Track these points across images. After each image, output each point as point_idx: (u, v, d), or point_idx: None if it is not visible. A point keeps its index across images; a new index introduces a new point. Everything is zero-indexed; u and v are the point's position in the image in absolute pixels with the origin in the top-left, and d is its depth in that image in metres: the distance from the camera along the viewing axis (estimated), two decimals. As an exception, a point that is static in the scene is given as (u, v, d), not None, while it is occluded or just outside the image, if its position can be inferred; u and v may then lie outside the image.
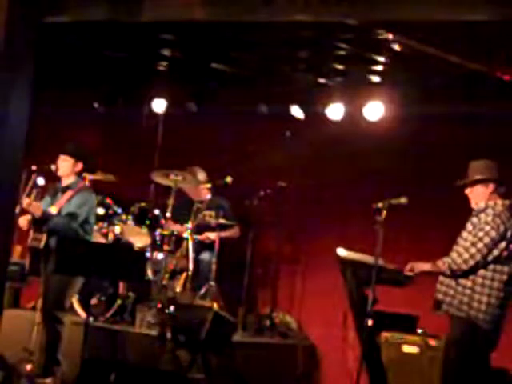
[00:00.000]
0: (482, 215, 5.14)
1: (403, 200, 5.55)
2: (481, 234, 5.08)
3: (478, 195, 5.25)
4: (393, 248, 5.72)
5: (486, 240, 5.06)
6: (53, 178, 6.49)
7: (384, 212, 5.49)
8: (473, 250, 5.07)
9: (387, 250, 5.52)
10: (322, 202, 7.71)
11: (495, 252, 5.06)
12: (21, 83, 4.87)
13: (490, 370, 5.20)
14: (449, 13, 4.67)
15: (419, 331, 6.09)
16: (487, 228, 5.07)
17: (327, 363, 7.33)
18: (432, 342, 5.74)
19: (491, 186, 5.21)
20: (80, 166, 6.45)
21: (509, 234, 5.08)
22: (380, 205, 5.53)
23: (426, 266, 5.33)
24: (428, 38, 5.93)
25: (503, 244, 5.06)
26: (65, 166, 6.40)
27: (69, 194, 6.37)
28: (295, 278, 7.89)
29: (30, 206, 6.12)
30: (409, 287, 5.63)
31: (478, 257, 5.06)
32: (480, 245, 5.06)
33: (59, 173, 6.41)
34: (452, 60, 6.20)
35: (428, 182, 7.04)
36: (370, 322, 5.44)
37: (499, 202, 5.18)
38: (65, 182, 6.44)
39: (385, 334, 5.93)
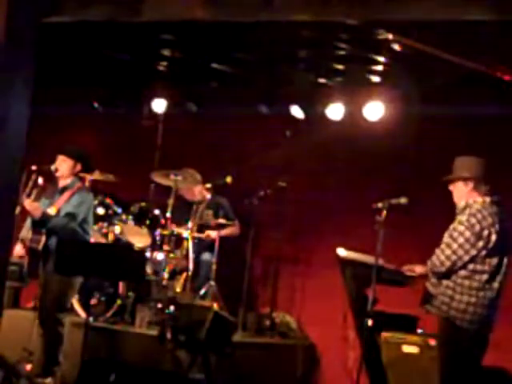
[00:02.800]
0: (460, 215, 5.13)
1: (403, 200, 5.55)
2: (455, 234, 5.05)
3: (459, 192, 5.23)
4: (393, 248, 5.72)
5: (461, 240, 5.02)
6: (52, 179, 6.49)
7: (384, 212, 5.49)
8: (448, 252, 5.05)
9: (387, 250, 5.53)
10: (322, 202, 7.71)
11: (472, 252, 5.01)
12: (21, 83, 4.86)
13: (482, 369, 5.16)
14: (449, 13, 4.67)
15: (419, 331, 6.09)
16: (461, 228, 5.04)
17: (327, 363, 7.34)
18: (432, 342, 5.73)
19: (470, 184, 5.17)
20: (79, 167, 6.46)
21: (485, 232, 5.00)
22: (380, 205, 5.54)
23: (419, 270, 5.34)
24: (428, 38, 5.93)
25: (480, 243, 5.00)
26: (64, 167, 6.40)
27: (67, 194, 6.37)
28: (295, 278, 7.89)
29: (30, 206, 6.13)
30: (409, 287, 5.63)
31: (454, 258, 5.02)
32: (455, 246, 5.03)
33: (58, 174, 6.41)
34: (452, 60, 6.20)
35: (428, 182, 7.03)
36: (370, 322, 5.44)
37: (479, 199, 5.13)
38: (63, 183, 6.44)
39: (385, 334, 5.93)
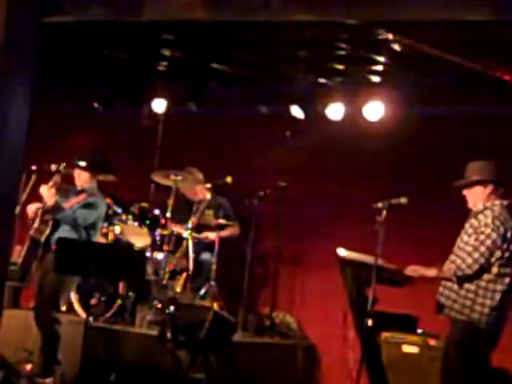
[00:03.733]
0: (481, 217, 5.12)
1: (403, 200, 5.55)
2: (482, 237, 5.06)
3: (477, 196, 5.23)
4: (393, 248, 5.71)
5: (488, 243, 5.04)
6: (69, 180, 6.53)
7: (384, 212, 5.49)
8: (476, 255, 5.05)
9: (387, 250, 5.53)
10: (322, 202, 7.71)
11: (498, 254, 5.04)
12: (21, 83, 4.87)
13: (491, 369, 5.19)
14: (449, 13, 4.67)
15: (419, 331, 6.08)
16: (488, 231, 5.05)
17: (327, 363, 7.34)
18: (432, 342, 5.74)
19: (490, 187, 5.20)
20: (99, 175, 6.52)
21: (509, 234, 5.06)
22: (380, 205, 5.54)
23: (430, 272, 5.28)
24: (428, 38, 5.93)
25: (505, 246, 5.05)
26: (83, 177, 6.46)
27: (82, 196, 6.40)
28: (295, 278, 7.90)
29: (47, 192, 6.13)
30: (409, 287, 5.63)
31: (482, 260, 5.04)
32: (482, 248, 5.04)
33: (78, 184, 6.46)
34: (452, 60, 6.20)
35: (428, 182, 7.04)
36: (370, 322, 5.44)
37: (497, 202, 5.17)
38: (81, 186, 6.48)
39: (385, 334, 5.93)
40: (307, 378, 7.10)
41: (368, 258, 5.63)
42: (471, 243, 5.09)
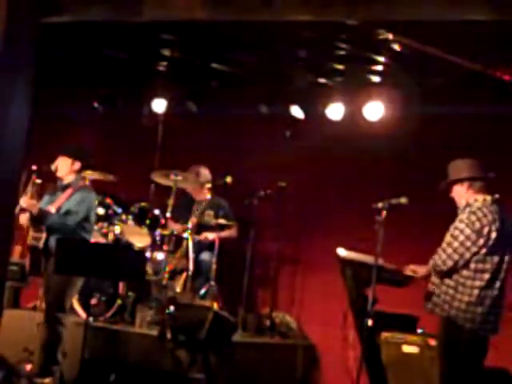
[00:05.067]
0: (461, 214, 5.15)
1: (403, 200, 5.55)
2: (456, 232, 5.06)
3: (458, 195, 5.24)
4: (393, 248, 5.71)
5: (461, 238, 5.03)
6: (53, 179, 6.49)
7: (384, 212, 5.49)
8: (449, 250, 5.05)
9: (387, 250, 5.53)
10: (322, 202, 7.71)
11: (473, 249, 5.01)
12: (21, 83, 4.87)
13: (483, 369, 5.16)
14: (449, 13, 4.67)
15: (419, 331, 6.09)
16: (461, 226, 5.05)
17: (327, 363, 7.34)
18: (432, 342, 5.73)
19: (465, 184, 5.20)
20: (78, 164, 6.44)
21: (485, 230, 5.01)
22: (380, 205, 5.54)
23: (421, 270, 5.34)
24: (428, 38, 5.93)
25: (481, 241, 5.01)
26: (63, 166, 6.41)
27: (69, 191, 6.37)
28: (295, 278, 7.90)
29: (27, 203, 6.13)
30: (409, 287, 5.63)
31: (456, 256, 5.03)
32: (455, 244, 5.04)
33: (58, 173, 6.42)
34: (452, 60, 6.20)
35: (428, 182, 7.03)
36: (370, 322, 5.44)
37: (479, 197, 5.15)
38: (66, 181, 6.46)
39: (385, 334, 5.93)
40: (307, 378, 7.10)
41: (368, 258, 5.63)
42: (446, 239, 5.11)
